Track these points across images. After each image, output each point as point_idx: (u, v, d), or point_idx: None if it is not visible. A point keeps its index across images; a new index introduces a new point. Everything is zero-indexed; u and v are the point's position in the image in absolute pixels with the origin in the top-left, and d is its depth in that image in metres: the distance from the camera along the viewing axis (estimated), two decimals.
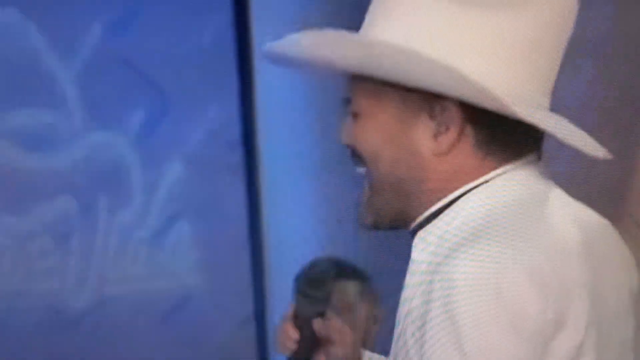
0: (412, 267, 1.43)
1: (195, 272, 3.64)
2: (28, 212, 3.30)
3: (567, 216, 1.45)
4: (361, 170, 1.48)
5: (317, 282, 1.83)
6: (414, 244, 1.47)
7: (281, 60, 1.54)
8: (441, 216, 1.44)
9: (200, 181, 3.56)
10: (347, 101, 1.49)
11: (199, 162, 3.54)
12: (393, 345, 1.43)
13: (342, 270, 2.04)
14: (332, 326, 1.83)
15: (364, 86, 1.44)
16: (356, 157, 1.47)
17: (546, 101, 1.45)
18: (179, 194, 3.54)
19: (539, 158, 1.46)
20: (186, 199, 3.56)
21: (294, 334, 1.79)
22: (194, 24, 3.47)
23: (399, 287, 1.63)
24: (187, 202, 3.57)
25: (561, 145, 1.44)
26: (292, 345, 1.79)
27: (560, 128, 1.42)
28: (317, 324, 1.78)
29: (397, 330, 1.41)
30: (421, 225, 1.45)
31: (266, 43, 1.47)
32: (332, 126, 3.58)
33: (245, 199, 3.64)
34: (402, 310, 1.40)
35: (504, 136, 1.41)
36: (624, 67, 3.75)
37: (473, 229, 1.39)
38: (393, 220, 1.50)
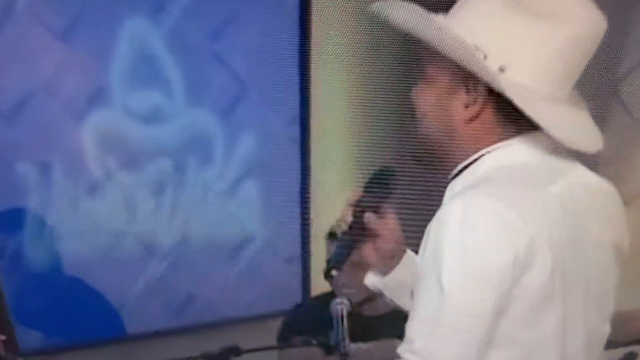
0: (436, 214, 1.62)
1: (256, 219, 4.08)
2: (136, 169, 3.71)
3: (565, 179, 1.69)
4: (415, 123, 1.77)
5: (380, 180, 1.94)
6: (445, 193, 1.74)
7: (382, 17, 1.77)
8: (465, 172, 1.71)
9: (266, 149, 3.98)
10: (421, 69, 1.76)
11: (266, 134, 3.95)
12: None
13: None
14: (382, 222, 1.92)
15: (436, 59, 1.70)
16: (414, 112, 1.77)
17: (564, 94, 1.70)
18: (250, 159, 3.95)
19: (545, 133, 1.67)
20: (254, 162, 3.97)
21: (349, 217, 1.91)
22: (267, 26, 3.83)
23: None
24: (255, 165, 3.97)
25: None
26: (344, 227, 1.91)
27: (554, 121, 1.64)
28: (368, 216, 1.89)
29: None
30: (453, 178, 1.74)
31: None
32: (372, 109, 4.13)
33: (299, 164, 4.06)
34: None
35: (517, 114, 1.64)
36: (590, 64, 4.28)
37: (477, 180, 1.63)
38: (432, 164, 1.79)
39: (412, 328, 1.55)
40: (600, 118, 4.23)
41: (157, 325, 3.92)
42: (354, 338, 2.63)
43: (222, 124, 3.88)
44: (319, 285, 3.49)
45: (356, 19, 3.94)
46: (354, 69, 4.04)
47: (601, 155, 4.27)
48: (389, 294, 2.01)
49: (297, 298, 4.19)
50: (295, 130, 4.04)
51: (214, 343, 2.62)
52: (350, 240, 1.91)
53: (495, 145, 1.69)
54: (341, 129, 4.15)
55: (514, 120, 1.66)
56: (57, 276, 3.65)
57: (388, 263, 1.98)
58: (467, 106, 1.68)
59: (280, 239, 4.18)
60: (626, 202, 4.45)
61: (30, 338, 3.62)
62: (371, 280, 2.03)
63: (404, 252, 1.99)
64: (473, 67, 1.63)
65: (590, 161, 4.45)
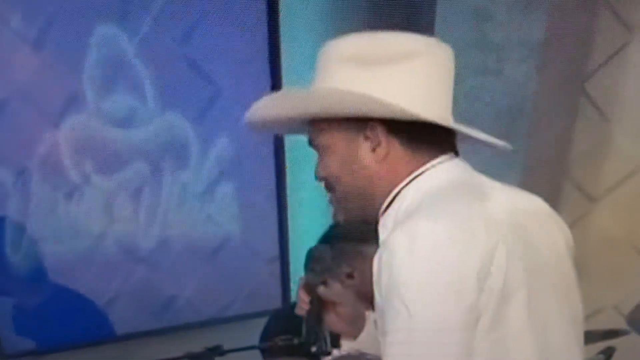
0: (379, 249, 1.68)
1: (234, 220, 4.11)
2: (112, 172, 3.74)
3: (492, 191, 1.74)
4: (330, 194, 1.85)
5: (318, 260, 2.16)
6: (378, 229, 1.79)
7: (255, 126, 1.94)
8: (392, 205, 1.77)
9: (240, 151, 4.03)
10: (312, 144, 1.85)
11: (240, 136, 3.98)
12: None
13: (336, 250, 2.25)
14: (332, 290, 2.10)
15: (318, 127, 1.79)
16: (327, 186, 1.85)
17: (449, 116, 1.80)
18: (224, 161, 4.00)
19: (457, 155, 1.81)
20: (229, 164, 4.01)
21: (306, 297, 2.10)
22: (237, 30, 3.90)
23: None
24: (230, 167, 4.02)
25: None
26: (306, 306, 2.10)
27: (462, 128, 1.77)
28: (321, 289, 2.09)
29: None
30: (381, 215, 1.79)
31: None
32: None
33: (273, 165, 4.11)
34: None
35: (422, 138, 1.74)
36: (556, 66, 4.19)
37: (410, 209, 1.68)
38: (362, 218, 1.84)
39: (388, 356, 1.58)
40: (569, 115, 4.33)
41: (139, 326, 3.94)
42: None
43: (196, 127, 3.93)
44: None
45: (325, 18, 4.02)
46: None
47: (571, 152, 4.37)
48: (368, 351, 2.09)
49: (278, 298, 4.26)
50: None
51: (197, 343, 2.65)
52: (315, 316, 2.09)
53: (414, 174, 1.75)
54: None
55: (419, 148, 1.75)
56: (38, 279, 3.68)
57: (356, 324, 2.10)
58: (374, 150, 1.75)
59: (258, 239, 4.22)
60: (596, 199, 4.55)
61: (14, 340, 3.65)
62: (347, 346, 2.13)
63: (365, 311, 2.10)
64: (375, 111, 1.71)
65: (561, 158, 4.49)
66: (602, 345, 3.37)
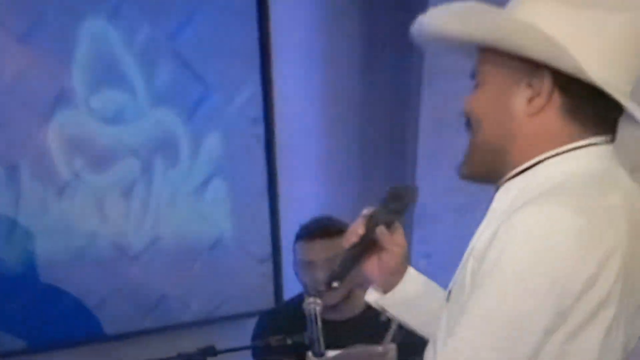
0: (489, 215, 1.62)
1: (226, 219, 4.09)
2: (103, 170, 3.72)
3: (623, 188, 1.57)
4: (469, 137, 1.69)
5: (397, 197, 1.94)
6: (496, 195, 1.66)
7: (423, 35, 1.70)
8: (524, 174, 1.61)
9: (232, 148, 4.02)
10: (473, 75, 1.70)
11: (231, 133, 3.99)
12: (453, 277, 1.66)
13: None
14: (393, 237, 1.92)
15: (487, 58, 1.64)
16: (467, 125, 1.69)
17: (628, 89, 1.58)
18: (216, 158, 3.98)
19: (613, 140, 1.62)
20: (221, 162, 4.00)
21: (361, 230, 1.90)
22: (228, 26, 3.90)
23: None
24: (222, 165, 4.01)
25: None
26: (354, 239, 1.90)
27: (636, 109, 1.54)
28: (380, 230, 1.89)
29: (461, 263, 1.63)
30: (506, 181, 1.64)
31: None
32: (333, 105, 4.20)
33: (265, 163, 4.10)
34: (469, 247, 1.61)
35: (586, 109, 1.56)
36: None
37: (545, 189, 1.51)
38: (485, 175, 1.70)
39: (455, 335, 1.49)
40: None
41: (130, 325, 3.90)
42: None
43: (187, 124, 3.92)
44: (293, 286, 3.54)
45: (316, 10, 4.02)
46: (316, 65, 4.11)
47: None
48: (391, 310, 2.00)
49: (270, 298, 4.21)
50: (260, 129, 4.09)
51: (189, 343, 2.67)
52: (357, 253, 1.93)
53: (560, 149, 1.59)
54: (306, 126, 4.21)
55: (579, 119, 1.58)
56: (28, 278, 3.64)
57: (389, 279, 1.96)
58: (530, 100, 1.59)
59: (251, 239, 4.19)
60: None
61: (4, 339, 3.59)
62: (372, 296, 2.02)
63: (406, 269, 1.97)
64: (555, 60, 1.53)
65: None
66: None
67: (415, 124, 4.19)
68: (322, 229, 3.18)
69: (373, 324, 2.84)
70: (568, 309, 1.41)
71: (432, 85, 4.16)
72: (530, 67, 1.56)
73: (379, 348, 2.84)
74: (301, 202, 4.18)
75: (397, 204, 1.93)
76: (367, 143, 4.25)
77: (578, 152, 1.58)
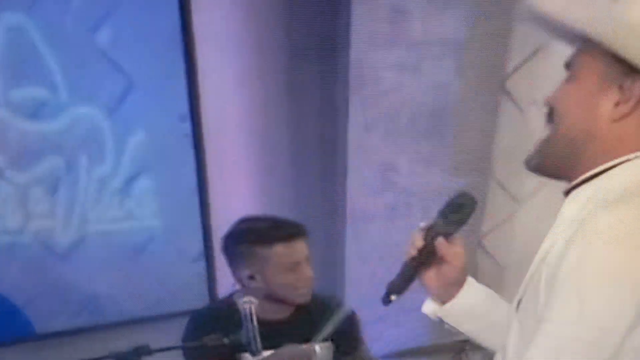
0: (558, 221, 1.63)
1: (155, 217, 4.03)
2: (26, 167, 3.67)
3: None
4: (548, 129, 1.69)
5: (457, 207, 1.96)
6: (567, 200, 1.66)
7: (532, 12, 1.73)
8: (599, 178, 1.61)
9: (158, 145, 3.97)
10: (568, 66, 1.70)
11: (157, 130, 3.95)
12: (523, 285, 1.66)
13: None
14: (452, 248, 1.94)
15: (588, 53, 1.63)
16: (549, 116, 1.70)
17: None
18: (142, 155, 3.93)
19: None
20: (148, 159, 3.95)
21: (419, 242, 1.93)
22: (150, 20, 3.83)
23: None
24: (149, 162, 3.95)
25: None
26: (413, 251, 1.93)
27: None
28: (439, 242, 1.91)
29: (531, 271, 1.63)
30: (578, 185, 1.65)
31: None
32: (262, 100, 4.13)
33: (194, 159, 4.04)
34: (539, 255, 1.61)
35: None
36: (479, 62, 4.26)
37: (625, 193, 1.52)
38: (554, 170, 1.71)
39: (539, 345, 1.50)
40: (491, 115, 4.37)
41: (63, 324, 3.87)
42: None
43: (111, 121, 3.87)
44: (226, 283, 3.51)
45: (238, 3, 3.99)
46: (241, 59, 4.08)
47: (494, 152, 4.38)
48: (450, 321, 2.00)
49: (205, 297, 4.16)
50: (187, 125, 4.04)
51: (123, 342, 2.60)
52: (416, 265, 1.94)
53: (637, 153, 1.60)
54: (235, 122, 4.18)
55: None
56: None
57: (448, 290, 1.98)
58: (617, 104, 1.59)
59: (182, 237, 4.14)
60: (521, 199, 4.56)
61: None
62: (430, 307, 2.03)
63: (465, 279, 1.99)
64: None
65: (484, 158, 4.48)
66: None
67: (344, 120, 4.18)
68: (296, 229, 3.16)
69: (305, 324, 3.01)
70: None
71: (360, 82, 4.15)
72: (626, 69, 1.56)
73: (311, 347, 2.92)
74: (232, 199, 4.14)
75: (457, 215, 1.94)
76: (297, 139, 4.24)
77: None
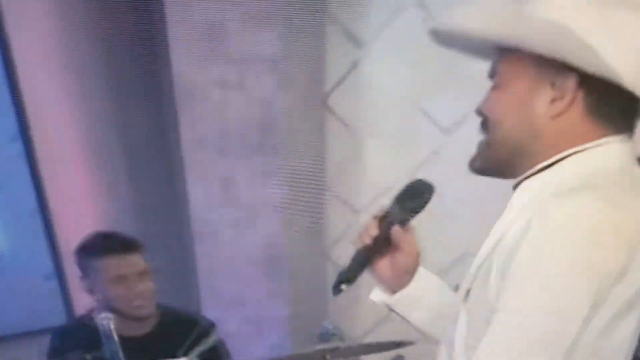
0: (508, 210, 1.63)
1: (2, 237, 4.04)
2: None
3: None
4: (485, 136, 1.67)
5: (414, 194, 1.91)
6: (516, 192, 1.65)
7: (442, 38, 1.70)
8: (547, 170, 1.60)
9: None
10: (492, 75, 1.69)
11: None
12: (469, 276, 1.65)
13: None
14: (407, 236, 1.92)
15: (512, 58, 1.61)
16: (484, 125, 1.68)
17: None
18: None
19: (631, 137, 1.61)
20: None
21: (374, 231, 1.90)
22: None
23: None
24: None
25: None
26: (367, 240, 1.90)
27: None
28: (396, 230, 1.89)
29: (477, 262, 1.62)
30: (527, 177, 1.63)
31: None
32: (91, 114, 4.19)
33: (30, 179, 4.03)
34: (488, 245, 1.60)
35: (610, 109, 1.56)
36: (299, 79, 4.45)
37: (576, 183, 1.51)
38: (498, 170, 1.69)
39: (494, 335, 1.49)
40: (319, 130, 4.56)
41: None
42: None
43: None
44: (82, 301, 3.53)
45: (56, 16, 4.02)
46: (66, 77, 4.13)
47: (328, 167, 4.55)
48: (400, 309, 1.99)
49: (62, 314, 4.18)
50: (19, 146, 4.05)
51: None
52: (369, 254, 1.93)
53: (586, 145, 1.59)
54: (68, 140, 4.22)
55: (602, 118, 1.59)
56: None
57: (400, 279, 1.97)
58: (553, 101, 1.59)
59: (30, 256, 4.16)
60: (359, 210, 4.72)
61: None
62: (379, 296, 2.02)
63: (417, 268, 1.98)
64: (588, 64, 1.53)
65: (318, 172, 4.62)
66: (390, 354, 3.43)
67: (176, 136, 4.28)
68: (127, 242, 3.22)
69: (167, 340, 3.03)
70: (603, 300, 1.43)
71: (186, 99, 4.27)
72: (555, 67, 1.55)
73: None
74: (76, 215, 4.19)
75: (413, 202, 1.91)
76: (134, 156, 4.30)
77: (602, 148, 1.58)
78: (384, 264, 1.95)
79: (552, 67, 1.55)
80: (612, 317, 1.46)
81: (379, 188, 4.46)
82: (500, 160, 1.66)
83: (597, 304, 1.42)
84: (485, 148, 1.69)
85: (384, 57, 4.49)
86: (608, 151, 1.58)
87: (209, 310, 4.28)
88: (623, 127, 1.60)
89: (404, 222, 1.90)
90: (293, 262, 4.64)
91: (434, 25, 1.69)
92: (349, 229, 4.79)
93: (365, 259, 1.91)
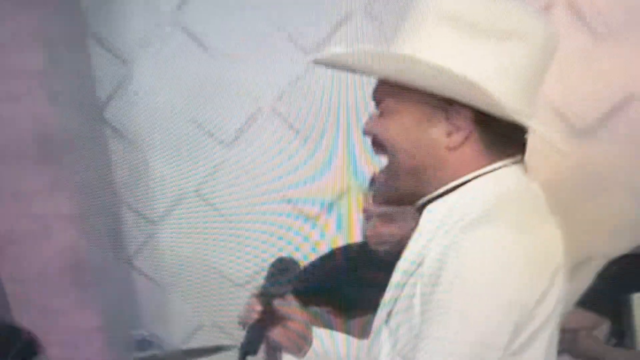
0: (417, 235, 1.62)
1: None
2: None
3: (551, 206, 1.60)
4: (382, 157, 1.66)
5: (283, 270, 2.06)
6: (423, 217, 1.63)
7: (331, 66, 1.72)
8: (451, 194, 1.60)
9: None
10: (376, 101, 1.67)
11: None
12: (388, 295, 1.67)
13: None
14: (288, 306, 2.02)
15: (394, 90, 1.60)
16: (376, 145, 1.67)
17: (531, 110, 1.59)
18: None
19: (522, 159, 1.65)
20: None
21: (257, 307, 2.01)
22: None
23: None
24: None
25: None
26: (255, 316, 2.01)
27: (541, 128, 1.58)
28: (277, 302, 2.01)
29: (396, 282, 1.64)
30: (430, 201, 1.63)
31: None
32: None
33: None
34: (402, 266, 1.62)
35: (502, 137, 1.59)
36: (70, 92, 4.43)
37: (481, 210, 1.52)
38: (403, 199, 1.68)
39: None
40: (100, 144, 4.54)
41: None
42: None
43: None
44: None
45: None
46: None
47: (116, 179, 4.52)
48: None
49: None
50: None
51: None
52: (262, 327, 2.03)
53: (482, 170, 1.61)
54: None
55: (496, 144, 1.61)
56: None
57: (299, 343, 2.04)
58: (449, 134, 1.59)
59: None
60: (156, 220, 4.74)
61: None
62: None
63: (311, 329, 2.06)
64: (475, 101, 1.56)
65: (106, 185, 4.57)
66: None
67: None
68: None
69: None
70: (523, 324, 1.46)
71: None
72: (445, 103, 1.56)
73: None
74: None
75: (283, 277, 2.06)
76: None
77: (499, 172, 1.60)
78: (279, 333, 2.04)
79: (443, 102, 1.57)
80: (529, 338, 1.50)
81: (171, 200, 4.49)
82: (403, 187, 1.66)
83: (518, 328, 1.46)
84: (385, 178, 1.69)
85: (151, 72, 4.52)
86: (505, 175, 1.60)
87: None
88: (517, 148, 1.63)
89: (281, 295, 2.04)
90: (97, 272, 4.53)
91: (319, 58, 1.72)
92: (150, 239, 4.73)
93: (259, 331, 2.02)
